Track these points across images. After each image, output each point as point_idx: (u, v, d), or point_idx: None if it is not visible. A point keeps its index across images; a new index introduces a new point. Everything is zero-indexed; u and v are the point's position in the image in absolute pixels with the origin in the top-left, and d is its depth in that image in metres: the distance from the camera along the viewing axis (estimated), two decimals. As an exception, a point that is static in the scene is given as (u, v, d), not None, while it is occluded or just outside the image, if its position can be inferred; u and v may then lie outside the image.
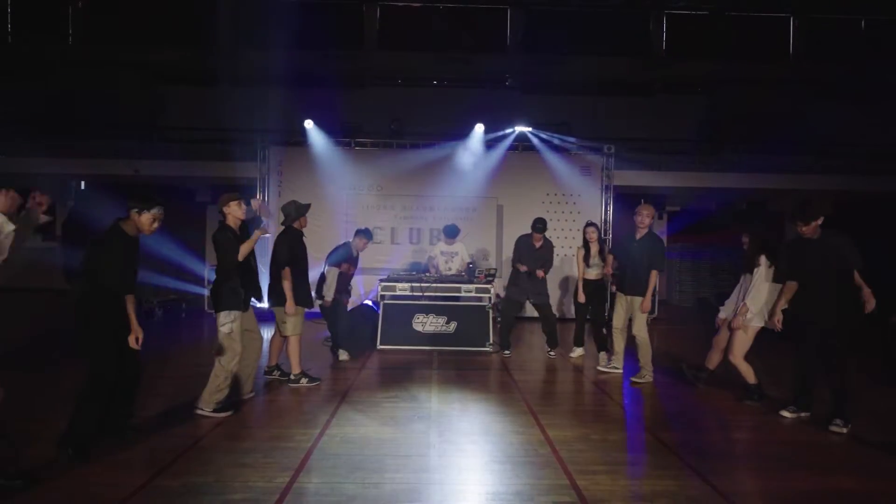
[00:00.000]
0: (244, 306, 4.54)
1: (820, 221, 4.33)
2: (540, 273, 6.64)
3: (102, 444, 3.63)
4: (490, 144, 10.19)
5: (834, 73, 11.93)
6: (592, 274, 6.61)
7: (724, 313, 5.16)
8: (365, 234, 6.81)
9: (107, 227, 3.63)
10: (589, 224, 6.74)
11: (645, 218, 5.68)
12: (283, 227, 5.44)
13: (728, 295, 5.21)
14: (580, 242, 6.77)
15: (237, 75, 11.83)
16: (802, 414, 4.54)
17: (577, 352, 6.87)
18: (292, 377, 5.31)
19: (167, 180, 11.10)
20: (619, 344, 5.98)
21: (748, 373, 4.96)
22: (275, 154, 10.14)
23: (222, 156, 10.22)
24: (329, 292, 6.45)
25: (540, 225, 6.72)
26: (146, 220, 3.67)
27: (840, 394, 4.26)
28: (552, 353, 6.89)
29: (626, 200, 10.19)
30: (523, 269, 6.64)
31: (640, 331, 5.64)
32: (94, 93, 11.20)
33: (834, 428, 4.18)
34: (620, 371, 6.02)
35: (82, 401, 3.47)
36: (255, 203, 4.97)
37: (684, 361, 5.46)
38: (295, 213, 5.41)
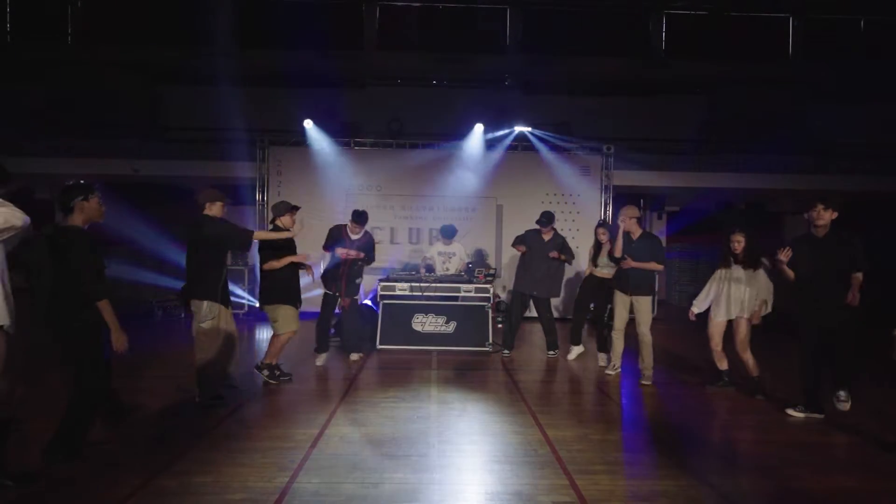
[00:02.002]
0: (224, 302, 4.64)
1: (834, 216, 4.33)
2: (554, 254, 6.58)
3: (101, 444, 3.64)
4: (490, 144, 10.19)
5: (834, 73, 11.94)
6: (604, 273, 6.59)
7: (703, 307, 5.31)
8: (354, 217, 6.23)
9: (57, 233, 3.39)
10: (599, 224, 6.80)
11: (632, 224, 5.71)
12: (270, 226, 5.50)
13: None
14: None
15: (237, 75, 11.84)
16: (815, 415, 4.49)
17: (575, 351, 6.81)
18: (260, 364, 5.31)
19: (167, 180, 11.10)
20: (619, 345, 5.96)
21: (755, 366, 5.09)
22: (275, 154, 10.14)
23: (222, 156, 10.22)
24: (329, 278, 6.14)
25: (544, 219, 6.69)
26: (94, 204, 3.45)
27: (842, 367, 4.25)
28: (552, 353, 6.89)
29: (626, 200, 10.19)
30: (521, 249, 6.65)
31: (647, 331, 5.64)
32: (94, 93, 11.20)
33: (839, 405, 4.19)
34: (619, 370, 6.01)
35: (77, 410, 3.39)
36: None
37: (712, 383, 5.47)
38: (279, 209, 5.40)
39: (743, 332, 5.11)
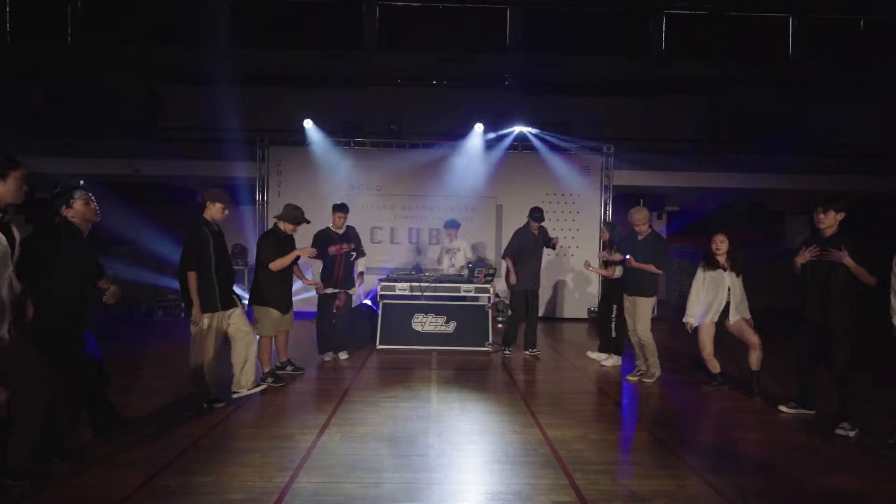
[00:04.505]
0: (221, 305, 4.48)
1: (840, 217, 4.32)
2: (555, 239, 6.65)
3: (101, 444, 3.64)
4: (490, 144, 10.19)
5: (834, 73, 11.94)
6: (607, 272, 6.59)
7: (700, 318, 5.21)
8: (336, 208, 6.35)
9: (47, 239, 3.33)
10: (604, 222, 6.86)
11: (645, 225, 5.69)
12: (273, 224, 5.56)
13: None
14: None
15: (237, 75, 11.84)
16: (805, 411, 4.57)
17: (613, 359, 6.54)
18: (263, 375, 5.29)
19: (167, 180, 11.10)
20: (637, 346, 5.82)
21: (759, 361, 5.10)
22: (274, 154, 10.15)
23: (222, 156, 10.23)
24: (317, 277, 6.25)
25: (538, 214, 6.66)
26: (80, 206, 3.43)
27: (845, 396, 4.24)
28: (528, 353, 6.76)
29: (626, 200, 10.20)
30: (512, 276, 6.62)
31: (644, 331, 5.63)
32: (94, 93, 11.20)
33: (840, 431, 4.15)
34: (647, 372, 5.78)
35: (61, 409, 3.34)
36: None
37: (710, 382, 5.47)
38: (290, 216, 5.43)
39: (749, 331, 5.10)
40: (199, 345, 4.43)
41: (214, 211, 4.61)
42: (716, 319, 5.18)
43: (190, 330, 4.43)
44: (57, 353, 3.32)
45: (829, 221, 4.34)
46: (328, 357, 6.37)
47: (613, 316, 6.54)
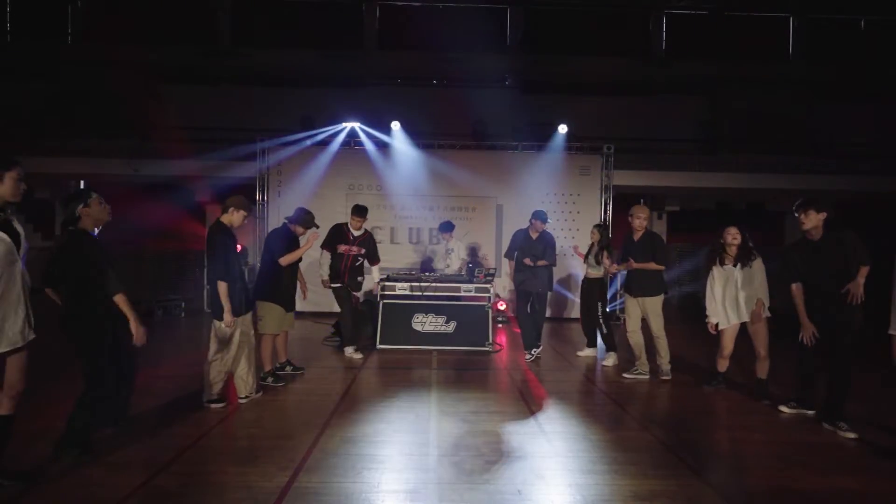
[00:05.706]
0: (243, 309, 4.56)
1: (823, 217, 4.30)
2: (527, 261, 6.40)
3: (102, 443, 3.64)
4: (490, 144, 10.18)
5: (834, 73, 11.95)
6: (592, 273, 6.66)
7: (717, 318, 5.07)
8: (355, 211, 6.46)
9: (67, 239, 3.52)
10: (595, 224, 6.92)
11: (643, 221, 5.72)
12: (283, 223, 5.64)
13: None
14: (581, 242, 6.88)
15: (237, 75, 11.84)
16: (805, 411, 4.58)
17: (588, 351, 6.78)
18: (263, 375, 5.30)
19: (167, 180, 11.10)
20: (638, 348, 5.80)
21: (766, 370, 5.04)
22: (274, 154, 10.15)
23: (222, 156, 10.23)
24: (323, 271, 6.39)
25: (538, 213, 6.62)
26: (95, 205, 3.61)
27: (841, 395, 4.23)
28: (529, 355, 6.58)
29: (626, 200, 10.20)
30: (527, 262, 6.39)
31: (658, 330, 5.62)
32: (94, 93, 11.21)
33: (841, 432, 4.15)
34: (647, 377, 5.76)
35: (84, 403, 3.47)
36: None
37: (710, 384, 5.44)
38: (302, 220, 5.50)
39: (762, 340, 4.96)
40: (220, 346, 4.50)
41: (235, 218, 4.60)
42: (739, 320, 5.03)
43: (212, 330, 4.52)
44: (89, 346, 3.47)
45: (813, 222, 4.30)
46: (354, 354, 6.44)
47: (599, 313, 6.57)
